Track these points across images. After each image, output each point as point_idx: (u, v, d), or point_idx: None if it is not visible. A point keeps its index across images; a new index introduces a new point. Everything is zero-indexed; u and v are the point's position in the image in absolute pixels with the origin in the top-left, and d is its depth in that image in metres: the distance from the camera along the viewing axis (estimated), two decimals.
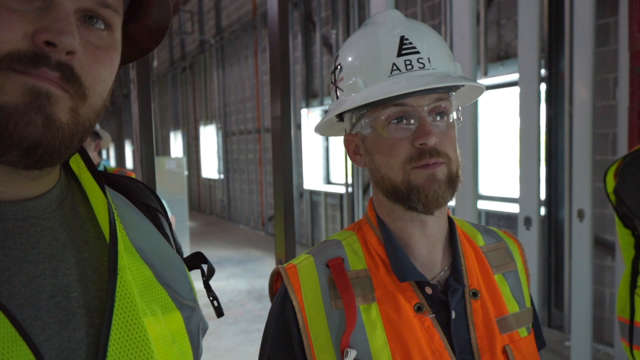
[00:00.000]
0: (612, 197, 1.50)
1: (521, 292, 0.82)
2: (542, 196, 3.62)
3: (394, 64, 0.72)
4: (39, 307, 0.44)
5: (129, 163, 17.50)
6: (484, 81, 4.30)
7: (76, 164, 0.54)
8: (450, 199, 0.74)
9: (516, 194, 2.97)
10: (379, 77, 0.73)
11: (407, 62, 0.72)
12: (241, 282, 5.83)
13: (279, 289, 0.79)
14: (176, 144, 13.74)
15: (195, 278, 0.60)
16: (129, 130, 16.90)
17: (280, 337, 0.75)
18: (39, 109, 0.42)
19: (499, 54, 4.23)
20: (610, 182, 1.50)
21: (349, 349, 0.69)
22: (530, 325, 0.81)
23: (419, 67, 0.72)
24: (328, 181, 7.35)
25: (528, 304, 0.82)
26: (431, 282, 0.75)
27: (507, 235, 0.88)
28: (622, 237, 1.54)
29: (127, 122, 17.03)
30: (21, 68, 0.41)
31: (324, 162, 7.37)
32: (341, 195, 6.51)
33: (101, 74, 0.47)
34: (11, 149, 0.42)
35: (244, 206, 9.73)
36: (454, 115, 0.75)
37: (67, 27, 0.43)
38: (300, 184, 7.34)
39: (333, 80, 0.81)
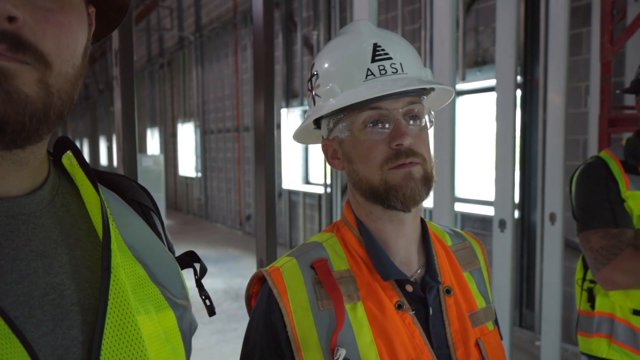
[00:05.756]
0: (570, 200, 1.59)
1: (485, 289, 0.86)
2: (516, 199, 3.71)
3: (368, 69, 0.75)
4: (32, 305, 0.44)
5: (104, 160, 17.14)
6: (462, 86, 4.39)
7: (69, 161, 0.54)
8: (426, 197, 0.77)
9: (491, 197, 3.04)
10: (354, 82, 0.76)
11: (381, 67, 0.75)
12: (218, 282, 5.79)
13: (259, 292, 0.80)
14: (153, 141, 13.54)
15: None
16: (103, 126, 16.57)
17: (269, 341, 0.75)
18: None
19: (476, 59, 4.32)
20: (573, 187, 1.59)
21: (339, 348, 0.70)
22: (495, 319, 0.86)
23: (392, 72, 0.76)
24: (307, 181, 7.36)
25: (491, 300, 0.87)
26: (411, 280, 0.78)
27: (470, 236, 0.92)
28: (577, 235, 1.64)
29: (102, 118, 16.68)
30: None
31: (303, 162, 7.38)
32: (320, 196, 6.53)
33: (61, 38, 0.44)
34: None
35: (222, 205, 9.65)
36: (426, 118, 0.78)
37: None
38: (279, 183, 7.33)
39: (310, 88, 0.83)
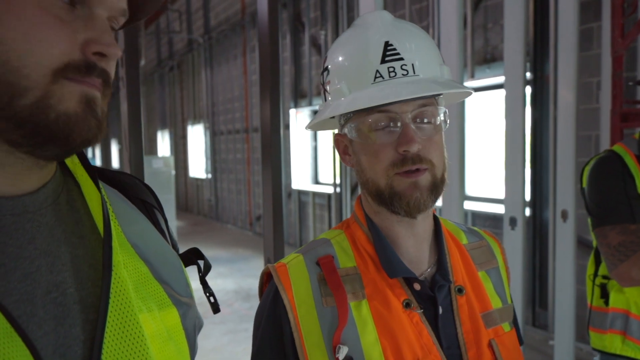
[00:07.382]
0: (583, 195, 1.57)
1: (503, 289, 0.84)
2: (527, 197, 3.68)
3: (377, 71, 0.72)
4: (35, 303, 0.44)
5: (115, 162, 17.30)
6: (471, 83, 4.35)
7: (70, 159, 0.54)
8: (433, 204, 0.75)
9: (502, 195, 3.01)
10: (362, 83, 0.73)
11: (390, 69, 0.72)
12: (228, 282, 5.82)
13: (267, 288, 0.80)
14: (163, 143, 13.64)
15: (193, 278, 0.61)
16: (114, 129, 16.71)
17: (271, 335, 0.75)
18: (92, 114, 0.46)
19: (485, 56, 4.28)
20: (585, 181, 1.57)
21: (340, 345, 0.70)
22: (512, 321, 0.83)
23: (402, 74, 0.72)
24: (316, 181, 7.36)
25: (509, 301, 0.84)
26: (419, 279, 0.77)
27: (488, 234, 0.90)
28: (591, 231, 1.62)
29: (113, 121, 16.82)
30: (76, 77, 0.45)
31: (312, 162, 7.38)
32: (329, 196, 6.53)
33: (113, 71, 0.50)
34: (64, 146, 0.45)
35: (232, 206, 9.69)
36: (441, 117, 0.75)
37: (112, 38, 0.47)
38: (289, 184, 7.34)
39: (322, 82, 0.82)
